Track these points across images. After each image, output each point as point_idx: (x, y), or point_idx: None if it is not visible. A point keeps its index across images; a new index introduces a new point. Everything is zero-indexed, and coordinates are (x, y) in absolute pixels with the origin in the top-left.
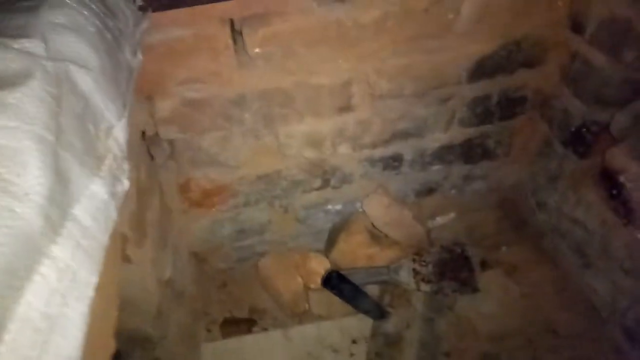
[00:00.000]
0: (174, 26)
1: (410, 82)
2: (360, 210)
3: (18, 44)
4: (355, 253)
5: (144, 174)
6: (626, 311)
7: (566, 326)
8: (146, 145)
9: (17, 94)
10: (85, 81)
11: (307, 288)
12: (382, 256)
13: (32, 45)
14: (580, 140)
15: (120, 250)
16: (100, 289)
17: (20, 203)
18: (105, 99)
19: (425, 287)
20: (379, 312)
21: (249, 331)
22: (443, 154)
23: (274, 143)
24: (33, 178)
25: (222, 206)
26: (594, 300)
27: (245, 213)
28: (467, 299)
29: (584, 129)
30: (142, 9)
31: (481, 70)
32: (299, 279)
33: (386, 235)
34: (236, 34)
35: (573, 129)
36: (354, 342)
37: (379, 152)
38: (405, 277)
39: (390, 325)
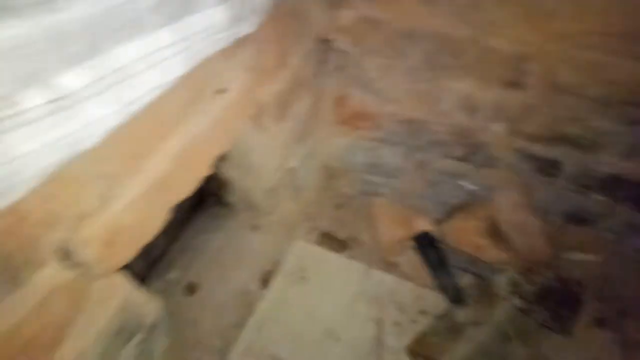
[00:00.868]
0: None
1: (599, 85)
2: (492, 199)
3: None
4: (466, 236)
5: (307, 69)
6: None
7: None
8: (321, 49)
9: None
10: None
11: (405, 243)
12: (490, 253)
13: None
14: None
15: (254, 112)
16: (216, 121)
17: None
18: None
19: (516, 301)
20: (455, 296)
21: (337, 252)
22: (612, 186)
23: (429, 92)
24: None
25: (364, 132)
26: None
27: (382, 150)
28: (560, 343)
29: None
30: None
31: None
32: (401, 231)
33: (505, 236)
34: None
35: None
36: (422, 312)
37: (536, 149)
38: (503, 281)
39: (461, 314)
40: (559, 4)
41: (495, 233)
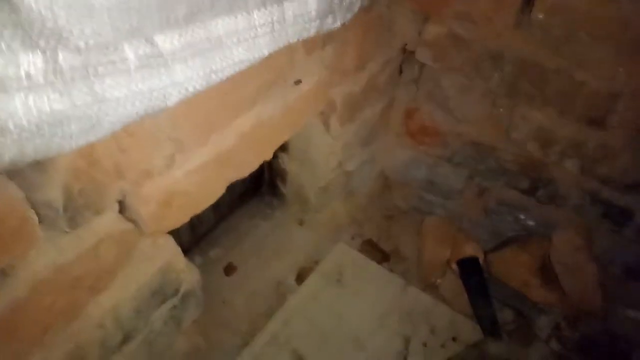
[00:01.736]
0: None
1: None
2: (550, 238)
3: None
4: (514, 271)
5: (384, 77)
6: None
7: None
8: (401, 59)
9: None
10: None
11: (449, 266)
12: (537, 292)
13: None
14: None
15: (323, 109)
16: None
17: None
18: None
19: (555, 346)
20: (491, 327)
21: (378, 262)
22: None
23: (504, 118)
24: None
25: (429, 149)
26: None
27: (444, 169)
28: None
29: None
30: None
31: None
32: (447, 253)
33: (556, 276)
34: None
35: None
36: (453, 339)
37: (608, 193)
38: (544, 323)
39: (494, 347)
40: None
41: (546, 273)
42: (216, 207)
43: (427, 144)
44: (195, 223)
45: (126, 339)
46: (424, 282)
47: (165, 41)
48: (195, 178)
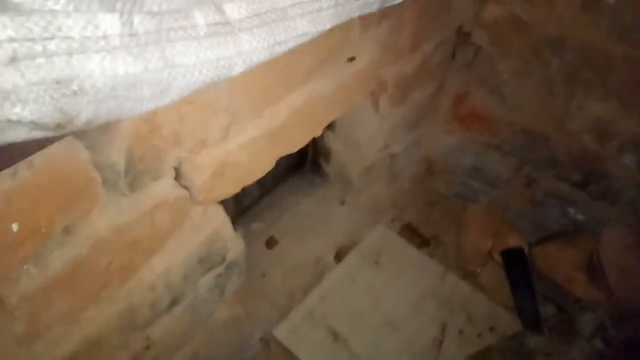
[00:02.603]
0: None
1: None
2: (600, 234)
3: None
4: (559, 265)
5: (437, 58)
6: None
7: None
8: (455, 41)
9: None
10: None
11: (490, 256)
12: (582, 288)
13: None
14: None
15: (374, 89)
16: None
17: None
18: None
19: (597, 344)
20: (532, 321)
21: (417, 247)
22: None
23: (561, 107)
24: None
25: (478, 135)
26: None
27: (492, 157)
28: None
29: None
30: None
31: None
32: (489, 243)
33: (603, 274)
34: None
35: None
36: (491, 329)
37: None
38: (588, 320)
39: (533, 341)
40: None
41: (593, 270)
42: (260, 181)
43: (476, 131)
44: (240, 195)
45: (174, 302)
46: (464, 270)
47: (233, 9)
48: (247, 150)
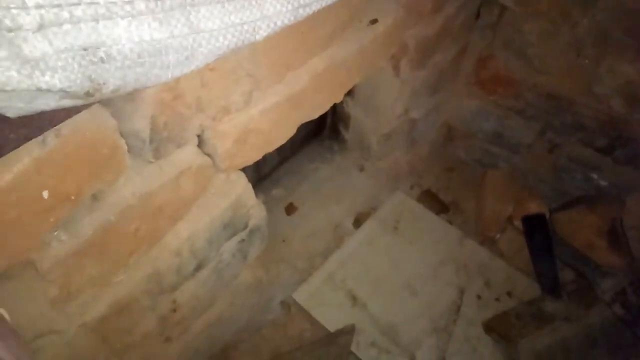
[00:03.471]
0: None
1: None
2: (623, 201)
3: None
4: (580, 232)
5: (459, 20)
6: None
7: None
8: (479, 1)
9: None
10: None
11: (510, 222)
12: (603, 255)
13: None
14: None
15: (395, 53)
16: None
17: None
18: None
19: (617, 309)
20: (551, 286)
21: (436, 212)
22: None
23: (588, 69)
24: None
25: (500, 99)
26: None
27: (514, 121)
28: None
29: None
30: None
31: None
32: (509, 209)
33: (626, 240)
34: None
35: None
36: (509, 294)
37: None
38: (606, 285)
39: (551, 306)
40: None
41: (615, 236)
42: (279, 148)
43: (499, 95)
44: (259, 163)
45: (198, 267)
46: (482, 236)
47: None
48: (269, 117)
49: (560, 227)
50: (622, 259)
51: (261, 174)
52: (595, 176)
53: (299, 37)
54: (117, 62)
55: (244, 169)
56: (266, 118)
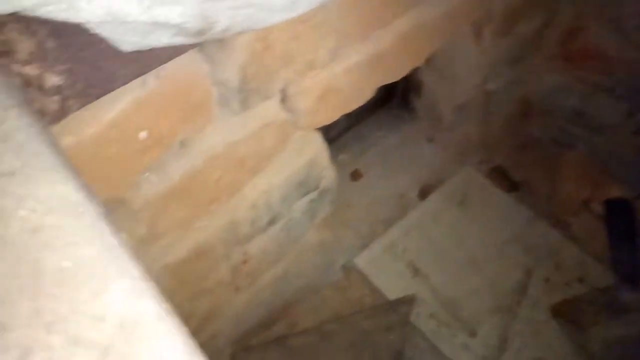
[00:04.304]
0: None
1: None
2: None
3: None
4: None
5: None
6: None
7: None
8: None
9: None
10: None
11: (586, 205)
12: None
13: None
14: None
15: (480, 18)
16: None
17: None
18: None
19: None
20: (630, 276)
21: (505, 190)
22: None
23: None
24: None
25: (587, 75)
26: None
27: (600, 100)
28: None
29: None
30: None
31: None
32: (587, 192)
33: None
34: None
35: None
36: (580, 279)
37: None
38: None
39: (627, 296)
40: None
41: None
42: (348, 113)
43: (586, 70)
44: (328, 126)
45: (271, 221)
46: (555, 218)
47: None
48: (351, 76)
49: None
50: None
51: (329, 137)
52: None
53: None
54: (230, 0)
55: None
56: (349, 77)
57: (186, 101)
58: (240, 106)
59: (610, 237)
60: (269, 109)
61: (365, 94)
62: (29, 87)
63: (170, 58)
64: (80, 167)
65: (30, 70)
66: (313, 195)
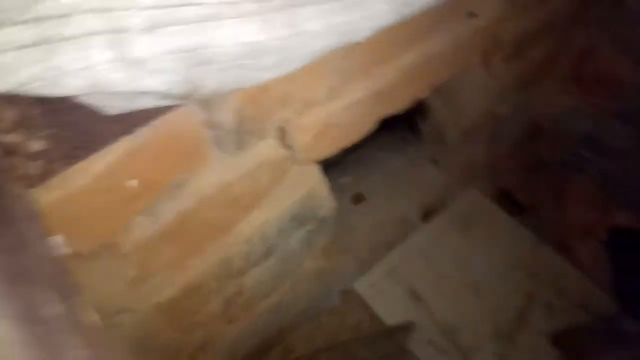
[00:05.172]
0: None
1: None
2: None
3: None
4: None
5: (566, 12)
6: None
7: None
8: None
9: None
10: None
11: (592, 232)
12: None
13: None
14: None
15: (487, 52)
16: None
17: None
18: None
19: None
20: (632, 305)
21: (511, 214)
22: None
23: None
24: None
25: (598, 99)
26: None
27: (610, 124)
28: None
29: None
30: None
31: None
32: (593, 217)
33: None
34: None
35: None
36: (582, 306)
37: None
38: None
39: (629, 325)
40: None
41: None
42: None
43: (598, 94)
44: None
45: (267, 254)
46: (559, 243)
47: None
48: (351, 111)
49: None
50: None
51: (330, 160)
52: None
53: (391, 30)
54: (218, 63)
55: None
56: (349, 112)
57: (181, 147)
58: (236, 147)
59: (615, 266)
60: (265, 147)
61: (366, 128)
62: (12, 155)
63: (158, 115)
64: (67, 219)
65: (14, 138)
66: (311, 225)
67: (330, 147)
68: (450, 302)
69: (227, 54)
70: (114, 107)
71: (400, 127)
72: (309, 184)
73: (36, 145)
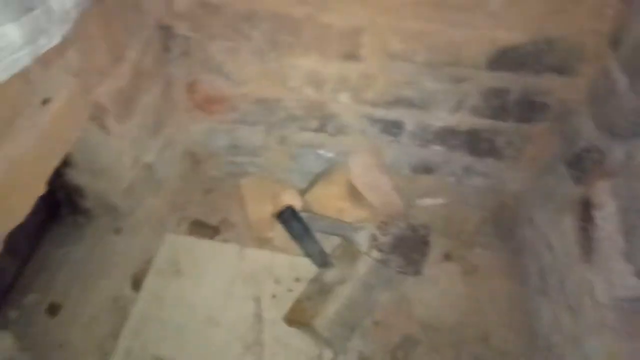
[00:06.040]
0: None
1: (424, 50)
2: (347, 164)
3: None
4: (328, 202)
5: (149, 59)
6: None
7: (499, 340)
8: (162, 36)
9: None
10: None
11: (274, 218)
12: (352, 213)
13: None
14: (579, 165)
15: (91, 116)
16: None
17: None
18: None
19: (374, 255)
20: (321, 260)
21: (210, 237)
22: (446, 137)
23: (277, 70)
24: None
25: (221, 116)
26: (536, 328)
27: (242, 131)
28: (415, 282)
29: (586, 154)
30: None
31: (504, 60)
32: (270, 208)
33: (361, 196)
34: None
35: (577, 151)
36: (297, 280)
37: (379, 113)
38: (361, 238)
39: (329, 275)
40: None
41: (353, 195)
42: (14, 251)
43: (218, 112)
44: None
45: None
46: (258, 240)
47: None
48: None
49: (314, 205)
50: (365, 210)
51: (4, 286)
52: (322, 152)
53: None
54: None
55: None
56: None
57: None
58: None
59: (294, 238)
60: None
61: None
62: None
63: None
64: None
65: None
66: None
67: None
68: (194, 347)
69: None
70: None
71: (67, 215)
72: None
73: None
